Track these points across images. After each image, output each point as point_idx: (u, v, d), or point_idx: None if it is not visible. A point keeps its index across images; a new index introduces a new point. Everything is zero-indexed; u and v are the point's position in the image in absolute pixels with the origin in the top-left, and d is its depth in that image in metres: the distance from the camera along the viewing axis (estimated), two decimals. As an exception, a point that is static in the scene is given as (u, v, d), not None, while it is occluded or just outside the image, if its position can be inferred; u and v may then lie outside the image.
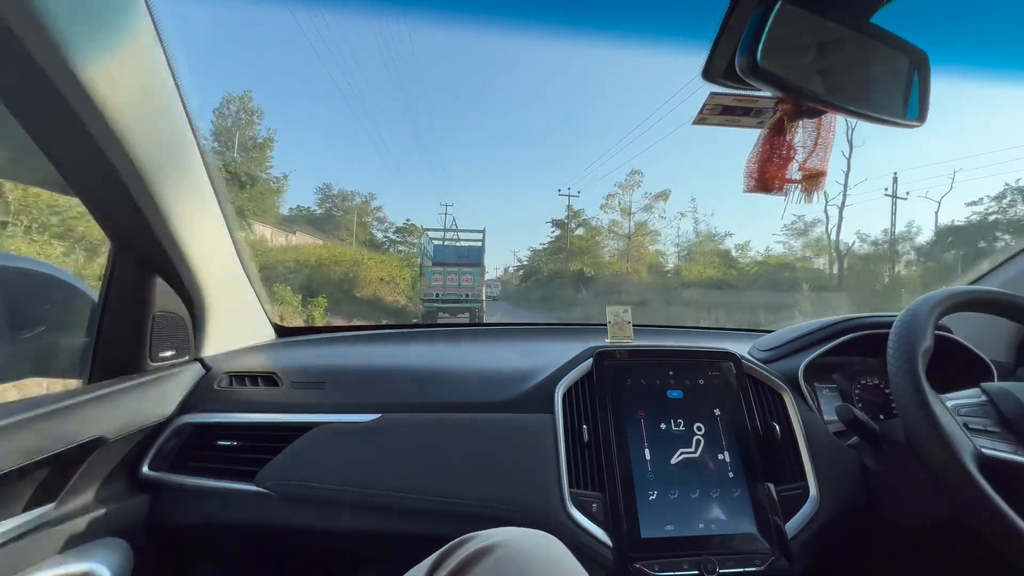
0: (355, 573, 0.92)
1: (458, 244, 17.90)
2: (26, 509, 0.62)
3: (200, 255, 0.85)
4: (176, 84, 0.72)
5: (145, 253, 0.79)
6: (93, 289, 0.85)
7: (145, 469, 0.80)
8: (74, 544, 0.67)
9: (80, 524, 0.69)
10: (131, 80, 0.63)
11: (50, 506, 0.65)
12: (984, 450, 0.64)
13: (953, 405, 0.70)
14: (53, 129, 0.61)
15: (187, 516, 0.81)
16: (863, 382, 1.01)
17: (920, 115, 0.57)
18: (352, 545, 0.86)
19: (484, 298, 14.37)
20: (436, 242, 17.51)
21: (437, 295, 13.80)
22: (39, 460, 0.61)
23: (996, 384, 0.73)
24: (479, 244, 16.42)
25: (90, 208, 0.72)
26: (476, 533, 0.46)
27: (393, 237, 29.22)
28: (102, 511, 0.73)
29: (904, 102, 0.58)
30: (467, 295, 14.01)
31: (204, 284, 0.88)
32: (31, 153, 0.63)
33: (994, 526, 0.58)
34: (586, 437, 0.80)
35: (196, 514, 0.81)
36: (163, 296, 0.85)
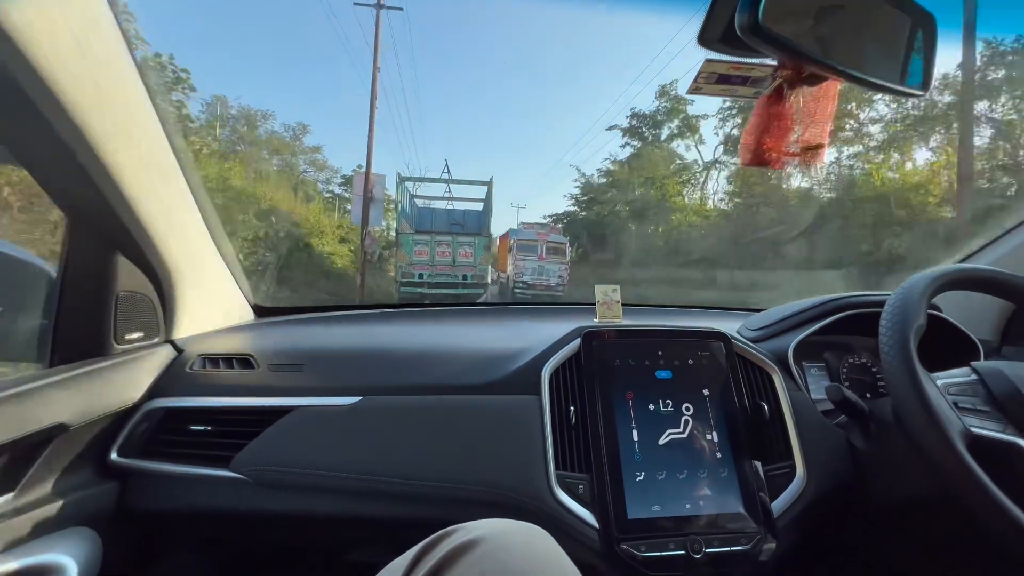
0: (336, 559, 0.90)
1: (451, 207, 13.62)
2: None
3: (164, 231, 0.80)
4: (122, 33, 0.66)
5: (103, 228, 0.73)
6: (52, 267, 0.80)
7: (114, 455, 0.77)
8: (37, 535, 0.64)
9: (43, 514, 0.65)
10: (70, 28, 0.56)
11: (8, 496, 0.62)
12: (973, 429, 0.63)
13: (943, 384, 0.69)
14: None
15: (159, 503, 0.78)
16: (852, 361, 1.01)
17: (924, 83, 0.55)
18: (333, 530, 0.84)
19: (488, 281, 10.32)
20: (420, 203, 13.21)
21: (420, 276, 9.88)
22: None
23: (986, 363, 0.72)
24: (481, 205, 12.06)
25: (36, 178, 0.66)
26: (459, 526, 0.45)
27: (341, 192, 20.20)
28: (67, 499, 0.69)
29: (906, 68, 0.55)
30: (464, 276, 10.12)
31: (170, 262, 0.84)
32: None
33: (981, 505, 0.58)
34: (573, 419, 0.78)
35: (169, 501, 0.78)
36: (127, 275, 0.80)
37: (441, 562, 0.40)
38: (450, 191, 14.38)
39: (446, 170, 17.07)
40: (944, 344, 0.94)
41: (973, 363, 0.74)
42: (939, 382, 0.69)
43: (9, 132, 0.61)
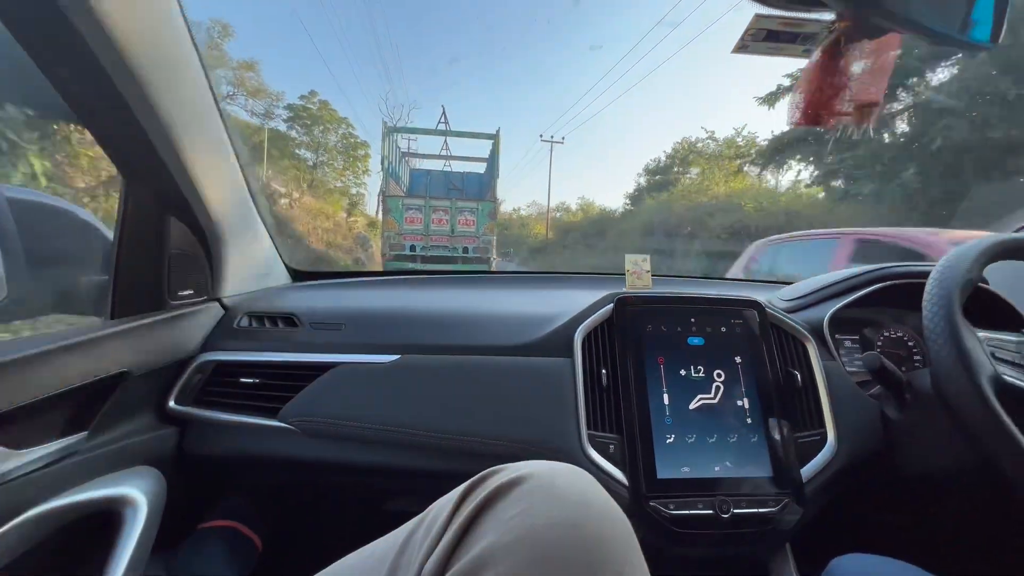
0: (376, 506, 0.96)
1: (448, 168, 11.45)
2: (57, 438, 0.64)
3: (214, 195, 0.83)
4: (184, 16, 0.68)
5: (158, 190, 0.77)
6: (108, 228, 0.84)
7: (172, 403, 0.83)
8: (109, 470, 0.69)
9: (113, 453, 0.71)
10: (140, 6, 0.59)
11: (82, 435, 0.67)
12: (1005, 376, 0.62)
13: (984, 335, 0.67)
14: (57, 52, 0.58)
15: (214, 448, 0.84)
16: (888, 335, 0.99)
17: (993, 33, 0.51)
18: (373, 479, 0.88)
19: (493, 256, 8.81)
20: (412, 164, 11.08)
21: (412, 248, 8.36)
22: (64, 391, 0.62)
23: None
24: (483, 164, 10.17)
25: (98, 139, 0.69)
26: (504, 466, 0.46)
27: (285, 115, 17.65)
28: (133, 440, 0.75)
29: (970, 15, 0.51)
30: (464, 249, 8.60)
31: (219, 225, 0.87)
32: (34, 78, 0.60)
33: (1004, 451, 0.56)
34: (605, 381, 0.80)
35: (223, 447, 0.84)
36: (179, 235, 0.84)
37: (489, 497, 0.41)
38: (448, 148, 12.02)
39: (443, 120, 14.25)
40: (991, 318, 0.91)
41: None
42: (981, 334, 0.67)
43: (77, 93, 0.63)
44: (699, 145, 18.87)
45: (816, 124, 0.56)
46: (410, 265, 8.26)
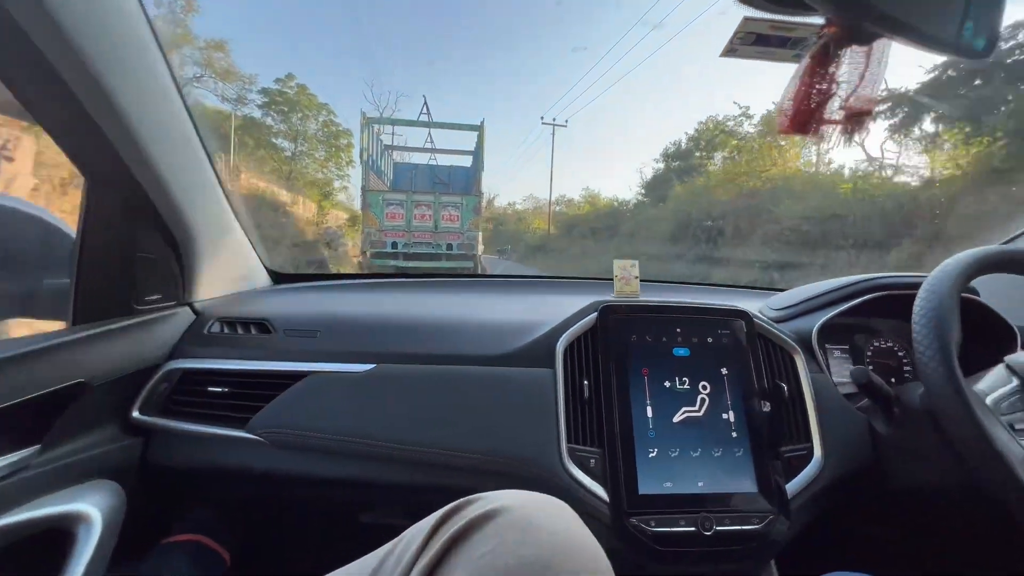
0: (351, 519, 0.93)
1: (434, 161, 10.92)
2: (7, 452, 0.61)
3: (183, 196, 0.80)
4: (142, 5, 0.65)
5: (121, 191, 0.73)
6: (71, 228, 0.81)
7: (136, 413, 0.79)
8: (62, 486, 0.66)
9: (68, 466, 0.68)
10: None
11: (34, 448, 0.64)
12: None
13: (992, 401, 0.66)
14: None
15: (180, 460, 0.81)
16: (878, 345, 0.97)
17: (988, 45, 0.49)
18: (346, 492, 0.86)
19: (479, 252, 8.47)
20: (397, 158, 10.71)
21: (394, 245, 8.01)
22: (18, 402, 0.58)
23: (1019, 359, 0.68)
24: (470, 156, 9.68)
25: (54, 138, 0.66)
26: (481, 495, 0.44)
27: (259, 100, 15.64)
28: (91, 453, 0.72)
29: (964, 25, 0.49)
30: (449, 246, 8.24)
31: (189, 227, 0.84)
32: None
33: None
34: (587, 393, 0.78)
35: (189, 458, 0.81)
36: (145, 238, 0.81)
37: (462, 530, 0.40)
38: (432, 140, 11.61)
39: (425, 110, 13.80)
40: (981, 330, 0.90)
41: (1007, 360, 0.71)
42: (988, 400, 0.65)
43: (26, 90, 0.60)
44: (728, 124, 15.76)
45: (804, 133, 0.54)
46: (392, 263, 7.96)
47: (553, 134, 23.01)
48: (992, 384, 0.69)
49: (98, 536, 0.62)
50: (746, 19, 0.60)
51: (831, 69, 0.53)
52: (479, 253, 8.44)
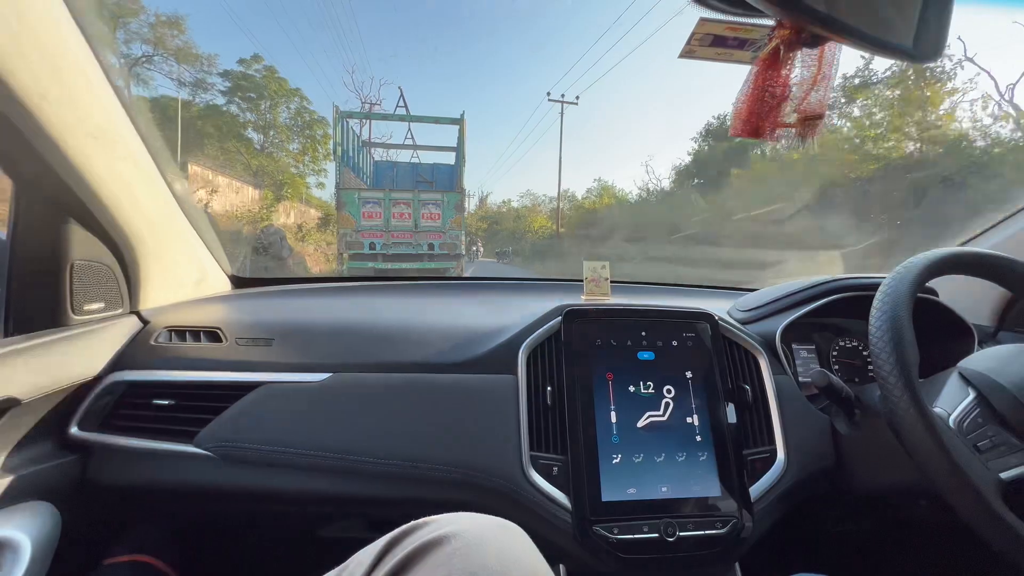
0: (306, 534, 0.89)
1: (416, 160, 10.43)
2: None
3: (119, 197, 0.75)
4: None
5: (49, 193, 0.69)
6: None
7: (74, 429, 0.74)
8: None
9: None
10: None
11: None
12: (1002, 475, 0.60)
13: (954, 421, 0.66)
14: None
15: (122, 477, 0.77)
16: (842, 344, 0.98)
17: (935, 48, 0.49)
18: (302, 507, 0.83)
19: (462, 252, 8.09)
20: (376, 155, 10.13)
21: (372, 246, 7.57)
22: None
23: (975, 371, 0.69)
24: (452, 153, 9.39)
25: None
26: (429, 519, 0.43)
27: (221, 85, 14.40)
28: (23, 474, 0.67)
29: (918, 29, 0.49)
30: (430, 246, 7.83)
31: (129, 230, 0.79)
32: None
33: (1017, 551, 0.55)
34: (549, 400, 0.76)
35: (132, 475, 0.76)
36: (82, 243, 0.76)
37: (407, 558, 0.38)
38: (412, 135, 11.18)
39: (401, 102, 13.36)
40: (939, 328, 0.92)
41: (960, 367, 0.71)
42: (950, 420, 0.66)
43: None
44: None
45: (757, 136, 0.54)
46: (371, 265, 7.57)
47: (562, 113, 20.16)
48: (951, 401, 0.69)
49: (27, 564, 0.58)
50: (702, 20, 0.59)
51: (783, 71, 0.53)
52: (462, 252, 8.09)
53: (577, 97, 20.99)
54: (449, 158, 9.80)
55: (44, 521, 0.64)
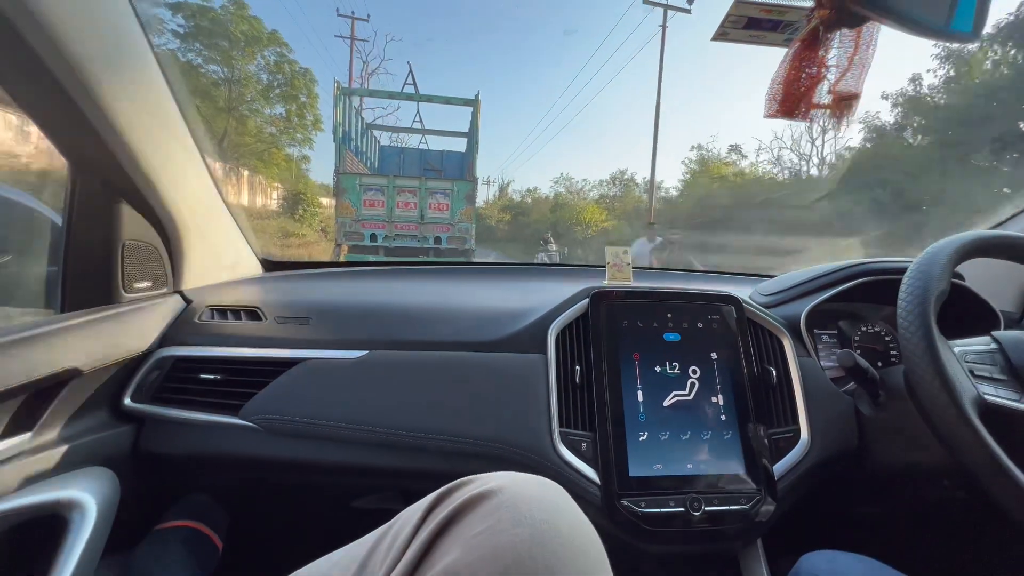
0: (345, 504, 0.93)
1: (424, 145, 9.54)
2: None
3: (169, 182, 0.79)
4: None
5: (105, 175, 0.72)
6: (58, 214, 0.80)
7: (127, 401, 0.79)
8: (55, 473, 0.66)
9: (61, 453, 0.67)
10: None
11: (26, 436, 0.64)
12: (987, 396, 0.62)
13: (960, 351, 0.67)
14: None
15: (173, 447, 0.81)
16: (865, 329, 0.99)
17: (975, 27, 0.50)
18: (340, 478, 0.86)
19: (472, 246, 7.40)
20: (382, 139, 9.35)
21: (373, 237, 6.98)
22: (8, 389, 0.58)
23: (1008, 332, 0.70)
24: (463, 140, 8.61)
25: (36, 122, 0.64)
26: (474, 476, 0.44)
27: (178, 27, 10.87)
28: (84, 440, 0.71)
29: (954, 8, 0.50)
30: (437, 239, 7.21)
31: (176, 212, 0.83)
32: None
33: (988, 472, 0.57)
34: (578, 378, 0.78)
35: (182, 445, 0.81)
36: (133, 224, 0.79)
37: (455, 511, 0.40)
38: (420, 118, 10.35)
39: (410, 80, 11.63)
40: (964, 314, 0.92)
41: (993, 332, 0.72)
42: (956, 349, 0.67)
43: (6, 76, 0.58)
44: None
45: (792, 117, 0.54)
46: (372, 258, 6.71)
47: (664, 21, 13.53)
48: (968, 342, 0.70)
49: (93, 523, 0.62)
50: (737, 2, 0.60)
51: (821, 53, 0.54)
52: (472, 247, 7.42)
53: (690, 1, 13.75)
54: (460, 144, 9.17)
55: (105, 485, 0.68)
